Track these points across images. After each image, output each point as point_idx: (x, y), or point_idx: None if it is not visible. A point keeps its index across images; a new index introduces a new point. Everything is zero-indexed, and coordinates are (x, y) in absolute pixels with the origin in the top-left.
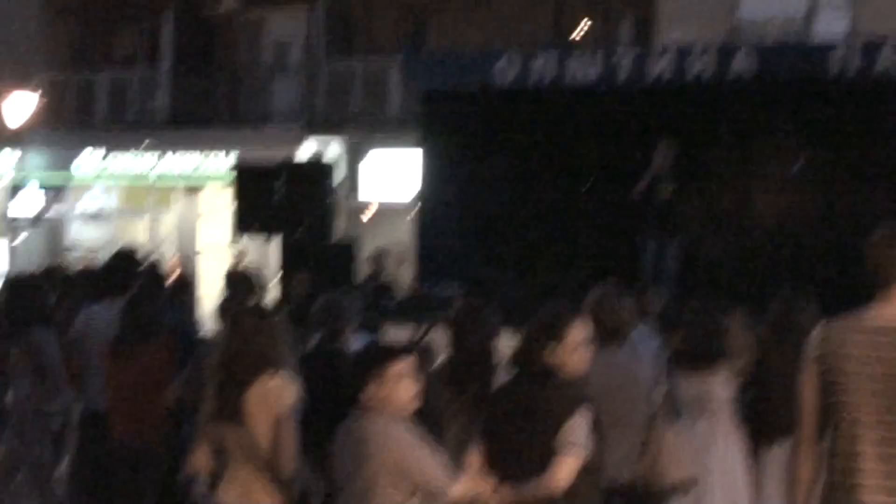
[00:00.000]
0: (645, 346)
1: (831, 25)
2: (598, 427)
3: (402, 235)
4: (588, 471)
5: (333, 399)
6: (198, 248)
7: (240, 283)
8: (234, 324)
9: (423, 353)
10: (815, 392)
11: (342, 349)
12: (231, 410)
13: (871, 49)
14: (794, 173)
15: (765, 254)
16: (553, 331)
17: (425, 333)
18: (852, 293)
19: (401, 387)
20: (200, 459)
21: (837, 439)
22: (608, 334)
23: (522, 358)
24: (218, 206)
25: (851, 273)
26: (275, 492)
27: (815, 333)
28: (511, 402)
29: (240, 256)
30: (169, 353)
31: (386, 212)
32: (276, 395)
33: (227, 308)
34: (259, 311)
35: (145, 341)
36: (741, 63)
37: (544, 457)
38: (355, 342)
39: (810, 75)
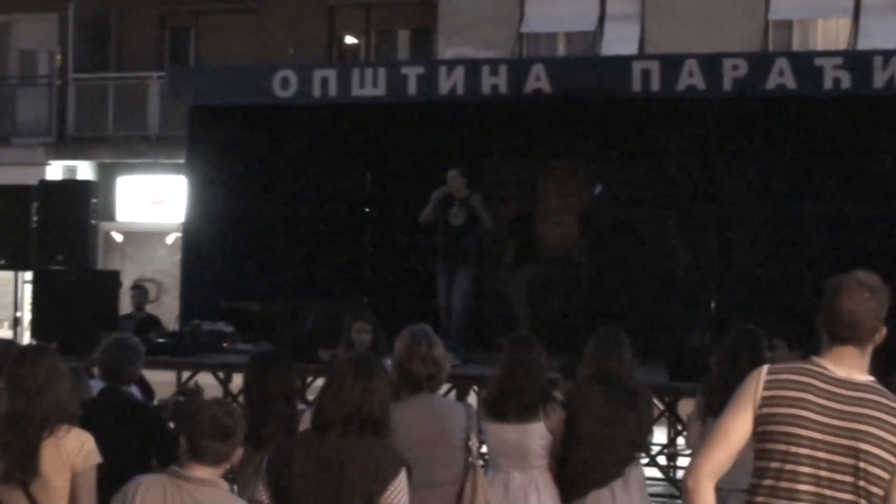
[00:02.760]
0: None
1: (621, 41)
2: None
3: (162, 263)
4: None
5: (130, 452)
6: None
7: None
8: (19, 370)
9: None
10: (744, 432)
11: (132, 396)
12: (21, 471)
13: (672, 64)
14: (596, 195)
15: (557, 284)
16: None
17: (190, 378)
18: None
19: None
20: None
21: (770, 490)
22: (419, 382)
23: (331, 406)
24: None
25: (656, 304)
26: None
27: (761, 374)
28: (315, 458)
29: None
30: None
31: (144, 238)
32: (75, 450)
33: None
34: (42, 352)
35: None
36: (536, 78)
37: None
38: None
39: (611, 91)
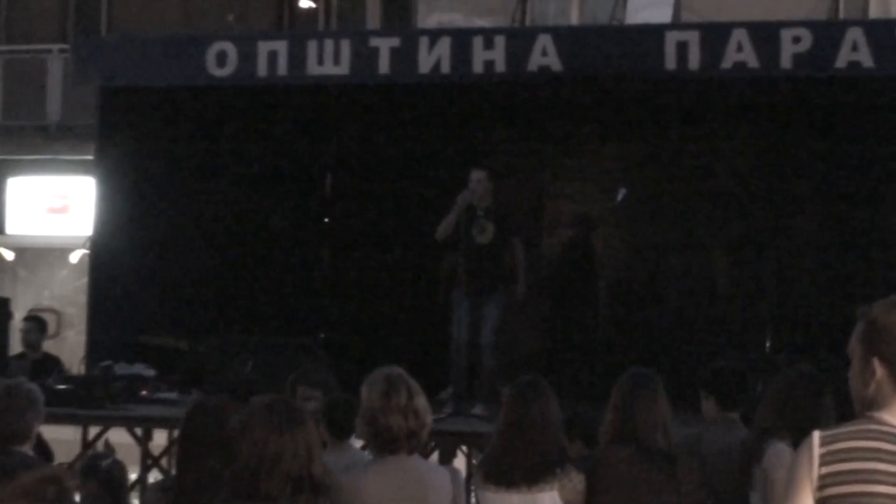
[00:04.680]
0: None
1: (651, 5)
2: None
3: (64, 288)
4: None
5: None
6: None
7: None
8: None
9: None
10: None
11: (27, 458)
12: None
13: (716, 35)
14: (618, 204)
15: (569, 314)
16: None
17: (100, 436)
18: None
19: None
20: None
21: None
22: (395, 440)
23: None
24: None
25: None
26: None
27: (812, 447)
28: None
29: None
30: None
31: (41, 256)
32: None
33: None
34: None
35: None
36: (543, 53)
37: None
38: None
39: (638, 70)
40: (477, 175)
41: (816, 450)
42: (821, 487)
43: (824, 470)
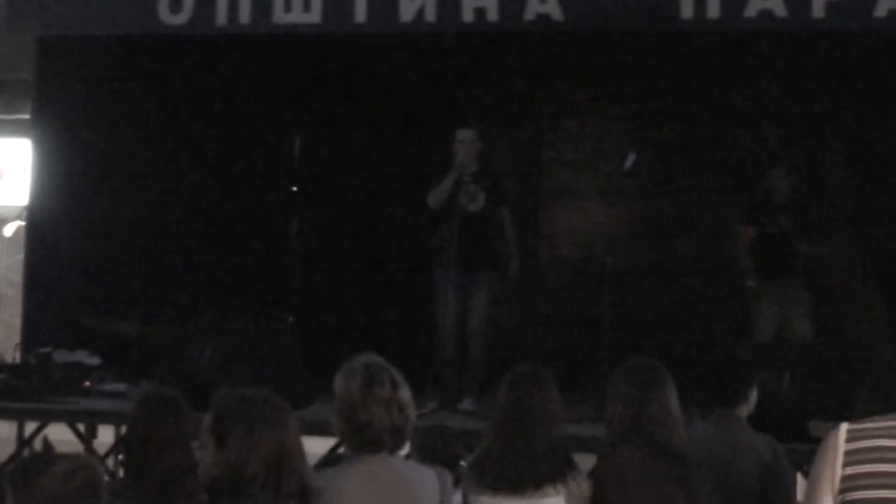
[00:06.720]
0: None
1: None
2: None
3: None
4: None
5: None
6: None
7: None
8: None
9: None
10: None
11: None
12: None
13: None
14: (627, 172)
15: (568, 297)
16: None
17: (38, 432)
18: None
19: None
20: None
21: None
22: (378, 437)
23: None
24: None
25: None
26: None
27: (838, 442)
28: None
29: None
30: None
31: None
32: None
33: None
34: None
35: None
36: (541, 1)
37: None
38: None
39: (649, 20)
40: (467, 135)
41: (842, 446)
42: (843, 491)
43: (848, 471)
